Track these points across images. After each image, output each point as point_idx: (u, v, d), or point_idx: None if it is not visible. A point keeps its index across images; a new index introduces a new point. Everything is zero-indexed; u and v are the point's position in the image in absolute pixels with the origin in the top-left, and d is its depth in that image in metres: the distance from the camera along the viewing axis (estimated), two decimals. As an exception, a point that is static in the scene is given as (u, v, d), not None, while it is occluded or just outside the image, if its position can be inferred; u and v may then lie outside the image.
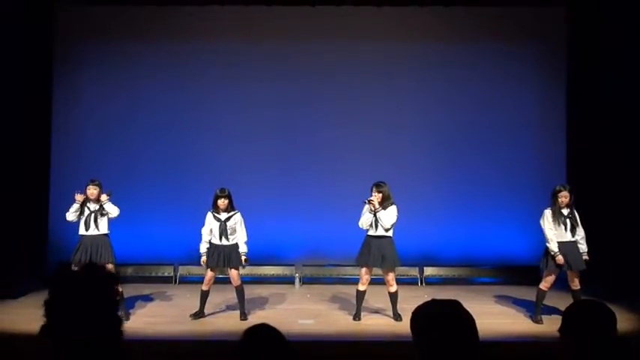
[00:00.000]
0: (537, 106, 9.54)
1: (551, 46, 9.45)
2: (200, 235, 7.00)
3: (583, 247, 6.74)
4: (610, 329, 2.15)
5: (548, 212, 6.76)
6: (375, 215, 6.78)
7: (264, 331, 2.14)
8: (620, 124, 8.07)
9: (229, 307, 7.34)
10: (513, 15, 9.40)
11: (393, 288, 6.86)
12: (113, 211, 6.93)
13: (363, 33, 9.38)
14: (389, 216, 6.77)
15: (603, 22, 8.47)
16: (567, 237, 6.69)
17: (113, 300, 1.92)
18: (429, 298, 2.08)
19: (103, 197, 6.95)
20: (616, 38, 8.19)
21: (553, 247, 6.65)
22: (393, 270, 6.85)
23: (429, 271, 9.26)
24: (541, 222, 6.79)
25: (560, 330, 2.22)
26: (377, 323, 6.84)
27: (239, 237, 6.97)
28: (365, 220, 6.83)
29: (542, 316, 6.79)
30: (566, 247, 6.67)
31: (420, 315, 2.00)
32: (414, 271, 9.10)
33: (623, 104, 8.04)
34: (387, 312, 7.11)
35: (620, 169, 8.05)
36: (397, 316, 6.82)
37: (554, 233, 6.68)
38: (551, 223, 6.71)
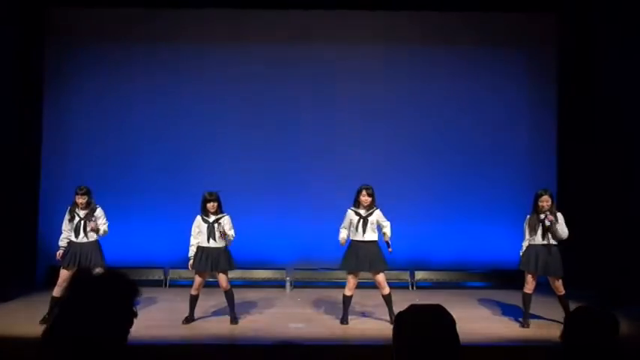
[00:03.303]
0: (528, 110, 9.59)
1: (542, 50, 9.51)
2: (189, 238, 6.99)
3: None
4: (612, 337, 2.15)
5: (527, 217, 6.86)
6: (364, 219, 6.78)
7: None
8: (611, 127, 8.14)
9: (220, 311, 7.32)
10: (505, 20, 9.46)
11: (386, 290, 6.80)
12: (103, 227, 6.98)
13: (357, 37, 9.41)
14: (383, 220, 6.83)
15: (593, 25, 8.55)
16: (545, 240, 6.72)
17: (129, 306, 1.97)
18: (420, 303, 2.10)
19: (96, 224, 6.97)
20: (606, 41, 8.27)
21: (521, 250, 6.87)
22: (382, 272, 6.83)
23: (419, 275, 9.28)
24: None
25: (562, 336, 2.22)
26: (367, 327, 6.83)
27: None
28: (344, 233, 6.87)
29: (530, 320, 6.82)
30: (540, 249, 6.71)
31: (403, 320, 2.01)
32: (404, 276, 9.11)
33: (613, 106, 8.11)
34: (377, 315, 7.13)
35: (611, 172, 8.11)
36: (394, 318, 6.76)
37: (529, 238, 6.80)
38: (527, 229, 6.81)
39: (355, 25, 9.37)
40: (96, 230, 6.92)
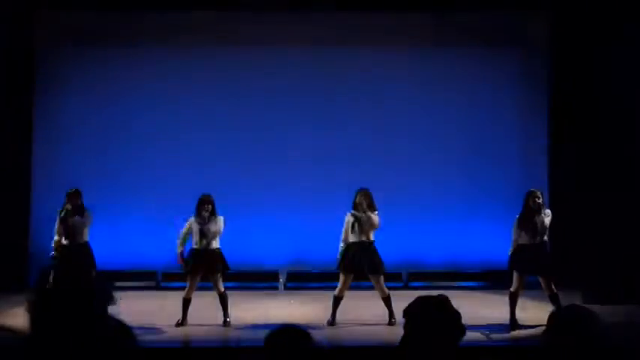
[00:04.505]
0: (520, 110, 9.60)
1: (534, 51, 9.54)
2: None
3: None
4: (594, 334, 2.16)
5: (517, 217, 6.84)
6: (359, 221, 6.79)
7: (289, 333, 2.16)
8: (603, 129, 8.18)
9: (212, 314, 7.28)
10: (496, 20, 9.49)
11: (385, 292, 6.85)
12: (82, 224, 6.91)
13: (345, 39, 9.42)
14: (373, 221, 6.82)
15: (587, 27, 8.57)
16: (535, 240, 6.72)
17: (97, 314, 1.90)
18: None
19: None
20: (600, 43, 8.30)
21: (510, 250, 6.81)
22: (379, 274, 6.85)
23: (413, 276, 9.28)
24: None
25: (543, 335, 2.22)
26: (359, 328, 6.84)
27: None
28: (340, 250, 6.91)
29: (519, 321, 6.80)
30: (531, 249, 6.70)
31: (412, 312, 2.05)
32: (397, 277, 9.11)
33: (606, 108, 8.16)
34: (368, 317, 7.13)
35: (602, 174, 8.15)
36: (393, 321, 6.75)
37: (517, 238, 6.77)
38: (517, 228, 6.78)
39: (344, 27, 9.38)
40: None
